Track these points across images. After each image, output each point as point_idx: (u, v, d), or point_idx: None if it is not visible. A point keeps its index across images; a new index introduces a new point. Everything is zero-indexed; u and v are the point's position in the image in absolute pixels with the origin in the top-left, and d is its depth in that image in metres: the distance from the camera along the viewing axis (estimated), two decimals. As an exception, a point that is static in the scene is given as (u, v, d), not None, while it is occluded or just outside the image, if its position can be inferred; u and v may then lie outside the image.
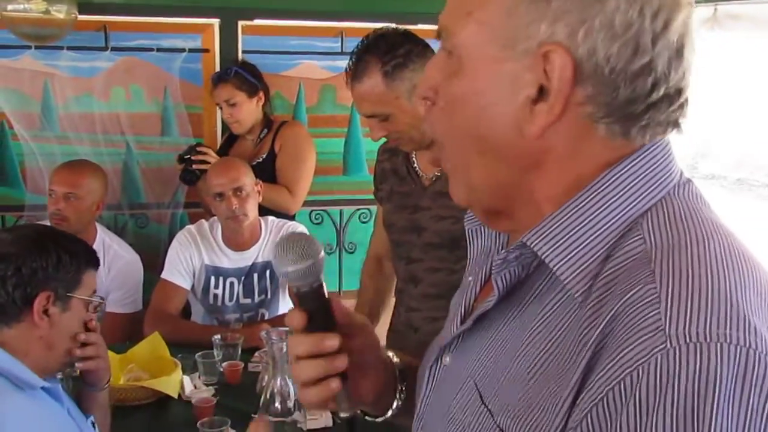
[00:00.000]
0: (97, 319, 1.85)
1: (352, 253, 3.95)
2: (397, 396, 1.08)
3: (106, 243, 3.07)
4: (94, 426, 1.86)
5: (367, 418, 1.10)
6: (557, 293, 0.75)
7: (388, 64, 1.85)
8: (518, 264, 0.78)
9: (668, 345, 0.61)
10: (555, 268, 0.73)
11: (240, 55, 3.62)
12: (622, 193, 0.73)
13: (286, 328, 2.54)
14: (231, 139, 3.50)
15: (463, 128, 0.77)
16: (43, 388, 1.66)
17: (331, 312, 0.95)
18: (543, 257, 0.74)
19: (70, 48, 3.49)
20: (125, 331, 3.03)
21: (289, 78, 3.71)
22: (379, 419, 1.10)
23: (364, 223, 3.87)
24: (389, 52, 1.86)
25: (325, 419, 2.20)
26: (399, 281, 2.22)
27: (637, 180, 0.73)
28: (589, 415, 0.64)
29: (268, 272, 2.99)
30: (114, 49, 3.54)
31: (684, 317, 0.62)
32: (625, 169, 0.73)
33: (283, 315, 2.89)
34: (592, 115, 0.72)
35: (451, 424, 0.84)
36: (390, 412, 1.08)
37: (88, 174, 3.01)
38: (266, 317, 2.98)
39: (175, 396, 2.31)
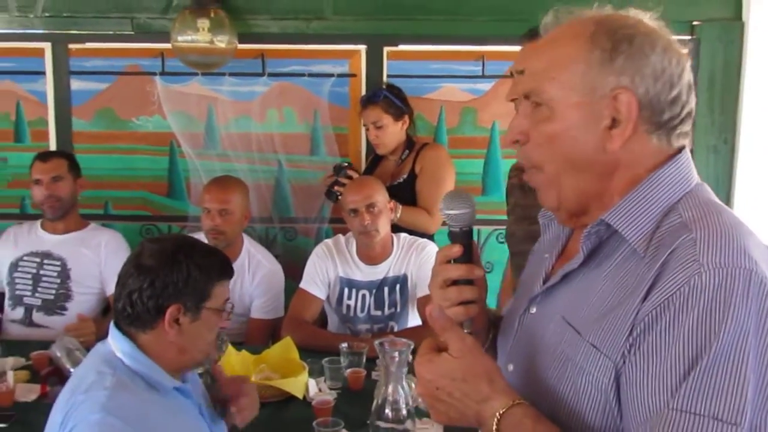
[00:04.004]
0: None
1: (489, 272, 3.97)
2: (489, 337, 1.36)
3: (251, 253, 3.30)
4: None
5: None
6: (621, 253, 1.07)
7: None
8: (596, 236, 1.10)
9: (702, 270, 0.94)
10: (625, 234, 1.06)
11: (385, 79, 3.76)
12: (664, 188, 1.08)
13: (407, 341, 2.62)
14: (375, 160, 3.63)
15: (561, 154, 1.10)
16: (175, 388, 1.80)
17: (474, 252, 1.24)
18: (617, 228, 1.07)
19: (231, 74, 3.79)
20: (266, 336, 3.25)
21: (430, 101, 3.81)
22: None
23: (501, 243, 3.88)
24: None
25: (435, 429, 2.26)
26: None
27: (673, 180, 1.08)
28: (649, 316, 0.97)
29: (398, 287, 3.10)
30: (270, 74, 3.80)
31: (711, 254, 0.95)
32: (666, 172, 1.08)
33: (411, 328, 2.99)
34: (648, 130, 1.08)
35: (546, 352, 1.13)
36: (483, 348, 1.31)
37: (235, 189, 3.25)
38: (395, 329, 3.08)
39: (300, 397, 2.45)
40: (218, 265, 1.84)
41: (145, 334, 1.76)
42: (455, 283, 1.21)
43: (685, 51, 1.10)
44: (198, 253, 1.81)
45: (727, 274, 0.93)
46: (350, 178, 3.31)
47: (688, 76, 1.09)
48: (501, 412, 1.04)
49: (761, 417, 0.92)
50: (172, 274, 1.75)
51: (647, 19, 1.11)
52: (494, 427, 1.04)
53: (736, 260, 0.95)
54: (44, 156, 3.41)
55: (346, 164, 3.43)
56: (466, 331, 1.23)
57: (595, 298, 1.07)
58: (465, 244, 1.22)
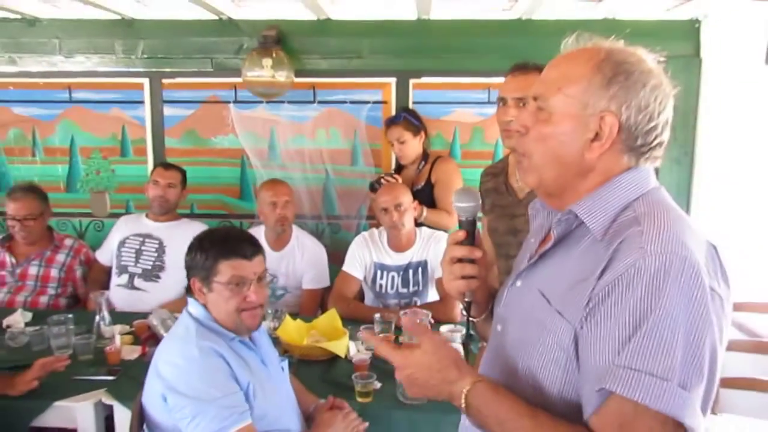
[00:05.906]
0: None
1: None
2: (489, 307, 1.37)
3: (299, 237, 3.40)
4: (284, 370, 2.03)
5: (470, 319, 1.37)
6: (585, 240, 1.09)
7: None
8: (566, 223, 1.12)
9: (645, 255, 0.96)
10: (587, 222, 1.08)
11: (411, 106, 3.80)
12: (622, 189, 1.09)
13: (426, 311, 2.66)
14: (399, 168, 3.69)
15: (548, 151, 1.11)
16: (235, 339, 1.85)
17: (476, 237, 1.28)
18: (581, 217, 1.09)
19: (289, 102, 3.86)
20: (316, 304, 3.33)
21: (447, 122, 3.84)
22: (476, 320, 1.39)
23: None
24: None
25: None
26: (501, 275, 2.30)
27: (630, 184, 1.10)
28: (603, 291, 0.99)
29: (420, 270, 3.14)
30: (319, 102, 3.86)
31: (654, 243, 0.97)
32: (626, 177, 1.10)
33: (430, 302, 3.03)
34: (622, 150, 1.09)
35: (524, 316, 1.16)
36: (483, 317, 1.38)
37: (288, 185, 3.39)
38: (418, 303, 3.12)
39: (343, 356, 2.52)
40: (220, 246, 1.85)
41: (199, 299, 1.88)
42: (460, 261, 1.26)
43: (672, 92, 1.10)
44: (209, 240, 1.88)
45: (666, 259, 0.95)
46: (393, 178, 3.38)
47: (667, 114, 1.09)
48: (467, 389, 1.08)
49: (689, 375, 0.94)
50: (189, 254, 1.88)
51: (650, 59, 1.10)
52: (463, 400, 1.09)
53: (674, 248, 0.96)
54: (167, 165, 3.55)
55: (392, 173, 3.52)
56: (467, 299, 1.30)
57: (563, 275, 1.09)
58: (469, 230, 1.26)
